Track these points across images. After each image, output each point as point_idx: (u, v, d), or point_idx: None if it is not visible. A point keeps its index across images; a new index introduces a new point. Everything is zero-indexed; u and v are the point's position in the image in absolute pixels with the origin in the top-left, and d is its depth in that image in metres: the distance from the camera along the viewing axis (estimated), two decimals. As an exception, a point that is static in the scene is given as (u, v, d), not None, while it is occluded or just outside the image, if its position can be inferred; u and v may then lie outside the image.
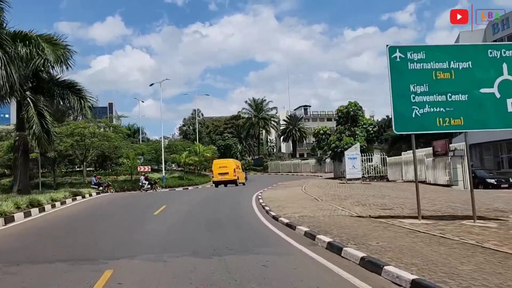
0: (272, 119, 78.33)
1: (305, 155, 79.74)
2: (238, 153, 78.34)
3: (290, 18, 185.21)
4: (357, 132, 31.78)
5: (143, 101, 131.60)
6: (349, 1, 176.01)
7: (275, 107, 78.46)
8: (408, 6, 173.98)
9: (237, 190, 27.53)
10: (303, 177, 45.31)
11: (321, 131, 38.19)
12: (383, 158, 30.66)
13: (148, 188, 31.97)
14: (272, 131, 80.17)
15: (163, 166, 43.09)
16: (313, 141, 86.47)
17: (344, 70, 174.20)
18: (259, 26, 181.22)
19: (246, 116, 79.15)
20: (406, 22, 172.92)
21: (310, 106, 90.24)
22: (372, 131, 33.45)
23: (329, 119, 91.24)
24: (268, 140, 79.00)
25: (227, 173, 32.82)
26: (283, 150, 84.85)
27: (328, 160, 54.97)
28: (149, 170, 36.97)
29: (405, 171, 27.40)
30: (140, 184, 32.45)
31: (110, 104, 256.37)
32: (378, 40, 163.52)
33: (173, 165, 59.82)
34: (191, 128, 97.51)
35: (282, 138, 79.30)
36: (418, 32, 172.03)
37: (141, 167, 36.49)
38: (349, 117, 32.43)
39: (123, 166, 41.34)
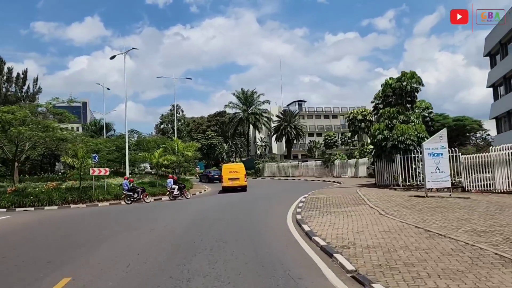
0: (263, 114, 67.80)
1: (300, 156, 69.58)
2: (223, 153, 67.50)
3: (272, 21, 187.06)
4: (412, 118, 21.25)
5: (108, 89, 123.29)
6: (330, 6, 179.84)
7: (267, 101, 68.05)
8: (387, 12, 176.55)
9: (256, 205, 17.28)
10: (314, 183, 35.02)
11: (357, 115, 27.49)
12: (455, 156, 20.10)
13: (177, 194, 25.33)
14: (264, 128, 69.55)
15: (127, 167, 31.97)
16: (309, 142, 76.75)
17: (325, 74, 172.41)
18: (241, 29, 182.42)
19: (233, 111, 68.53)
20: (385, 28, 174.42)
21: (305, 102, 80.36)
22: (428, 117, 23.17)
23: (327, 116, 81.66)
24: (259, 139, 68.37)
25: (237, 178, 30.14)
26: (275, 150, 74.40)
27: (338, 161, 45.00)
28: (107, 173, 26.01)
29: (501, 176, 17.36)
30: (169, 190, 25.63)
31: (84, 103, 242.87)
32: (358, 45, 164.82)
33: (145, 167, 48.71)
34: (169, 125, 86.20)
35: (274, 136, 68.75)
36: (397, 38, 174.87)
37: (95, 169, 25.51)
38: (404, 94, 21.91)
39: (72, 169, 30.17)
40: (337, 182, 33.41)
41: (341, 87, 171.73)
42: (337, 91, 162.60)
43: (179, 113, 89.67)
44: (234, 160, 62.57)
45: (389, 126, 20.76)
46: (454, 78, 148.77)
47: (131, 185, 23.99)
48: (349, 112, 48.49)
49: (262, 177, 54.92)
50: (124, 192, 23.45)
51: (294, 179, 46.37)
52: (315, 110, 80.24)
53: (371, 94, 78.80)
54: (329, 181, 37.09)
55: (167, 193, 25.83)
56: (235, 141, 75.99)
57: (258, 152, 66.23)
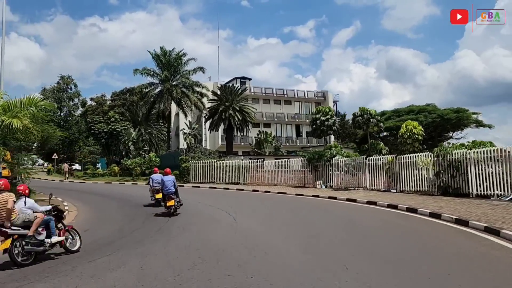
0: (195, 87, 45.39)
1: (241, 153, 48.42)
2: (130, 144, 43.69)
3: (195, 20, 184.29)
4: None
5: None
6: (254, 11, 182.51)
7: (200, 68, 45.53)
8: (308, 21, 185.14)
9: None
10: (316, 203, 14.07)
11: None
12: None
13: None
14: (193, 110, 47.02)
15: None
16: (258, 133, 55.74)
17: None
18: (163, 25, 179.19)
19: (148, 80, 45.16)
20: (306, 37, 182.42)
21: (250, 79, 58.98)
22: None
23: (277, 101, 61.28)
24: (187, 124, 45.47)
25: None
26: (208, 144, 52.22)
27: (341, 160, 24.58)
28: None
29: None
30: None
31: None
32: (280, 51, 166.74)
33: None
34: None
35: (208, 123, 46.60)
36: (317, 47, 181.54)
37: None
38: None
39: None
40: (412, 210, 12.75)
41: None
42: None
43: (71, 87, 63.71)
44: (145, 155, 39.30)
45: None
46: (366, 89, 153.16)
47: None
48: (315, 112, 29.89)
49: (192, 182, 32.72)
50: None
51: (257, 191, 25.08)
52: (263, 91, 59.46)
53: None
54: (359, 201, 16.45)
55: None
56: (150, 128, 52.51)
57: (185, 144, 43.43)
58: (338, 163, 24.81)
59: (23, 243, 7.71)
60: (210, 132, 47.66)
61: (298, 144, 59.84)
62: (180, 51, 44.74)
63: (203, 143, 52.70)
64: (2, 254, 7.61)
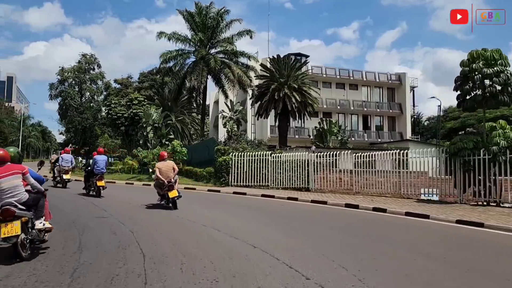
0: (239, 57, 34.03)
1: (293, 147, 36.39)
2: (150, 129, 32.26)
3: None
4: None
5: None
6: (297, 12, 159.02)
7: (247, 31, 33.85)
8: (352, 23, 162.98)
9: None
10: None
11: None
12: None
13: None
14: (236, 89, 35.40)
15: None
16: (320, 122, 42.47)
17: None
18: None
19: (178, 47, 33.97)
20: (349, 39, 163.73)
21: (308, 56, 46.82)
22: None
23: (340, 85, 48.87)
24: (227, 105, 33.79)
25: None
26: (249, 133, 40.57)
27: None
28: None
29: None
30: None
31: (10, 78, 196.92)
32: (322, 52, 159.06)
33: None
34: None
35: (255, 108, 35.05)
36: (360, 49, 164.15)
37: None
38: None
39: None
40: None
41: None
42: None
43: (93, 68, 54.00)
44: (168, 144, 27.54)
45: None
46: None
47: None
48: (466, 61, 18.44)
49: (234, 186, 21.14)
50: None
51: (356, 208, 13.21)
52: (323, 72, 47.13)
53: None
54: None
55: None
56: (182, 116, 41.56)
57: (224, 132, 31.80)
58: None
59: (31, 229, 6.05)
60: (257, 119, 35.92)
61: (365, 139, 47.20)
62: (221, 9, 33.40)
63: (247, 129, 41.26)
64: (2, 241, 5.55)
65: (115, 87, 49.49)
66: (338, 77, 47.54)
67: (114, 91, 47.72)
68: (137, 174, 28.91)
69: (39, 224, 6.19)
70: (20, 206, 5.94)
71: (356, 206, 13.50)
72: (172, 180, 11.84)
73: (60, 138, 67.52)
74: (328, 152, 20.82)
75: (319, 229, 9.19)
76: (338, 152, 20.70)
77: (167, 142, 28.98)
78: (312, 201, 15.15)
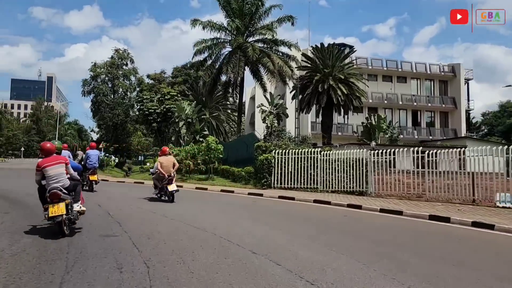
0: (280, 46, 31.05)
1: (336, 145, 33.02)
2: (182, 124, 29.65)
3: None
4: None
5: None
6: (331, 10, 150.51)
7: (288, 17, 30.64)
8: (388, 20, 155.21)
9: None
10: None
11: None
12: None
13: None
14: (274, 81, 32.30)
15: None
16: (367, 118, 38.02)
17: None
18: None
19: (213, 36, 31.33)
20: (385, 35, 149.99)
21: (352, 47, 43.15)
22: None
23: (387, 78, 45.08)
24: (267, 98, 30.81)
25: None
26: (289, 129, 37.40)
27: None
28: None
29: None
30: None
31: (50, 78, 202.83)
32: (357, 50, 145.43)
33: None
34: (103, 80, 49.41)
35: (299, 101, 31.95)
36: (397, 45, 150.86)
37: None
38: None
39: None
40: None
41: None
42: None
43: (126, 63, 52.43)
44: (202, 141, 24.82)
45: None
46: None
47: None
48: None
49: (277, 188, 18.26)
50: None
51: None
52: (369, 64, 43.38)
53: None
54: None
55: None
56: (217, 112, 39.07)
57: (263, 128, 28.84)
58: None
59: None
60: (299, 114, 32.82)
61: (415, 137, 43.10)
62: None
63: (288, 125, 38.17)
64: (48, 221, 6.86)
65: (148, 83, 47.62)
66: (385, 69, 43.67)
67: (147, 87, 45.83)
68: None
69: (76, 206, 7.26)
70: (64, 191, 6.92)
71: (447, 220, 10.27)
72: (172, 174, 12.53)
73: (95, 136, 66.66)
74: (385, 150, 17.56)
75: (455, 272, 6.02)
76: (396, 149, 17.41)
77: (201, 139, 26.41)
78: (382, 210, 12.00)
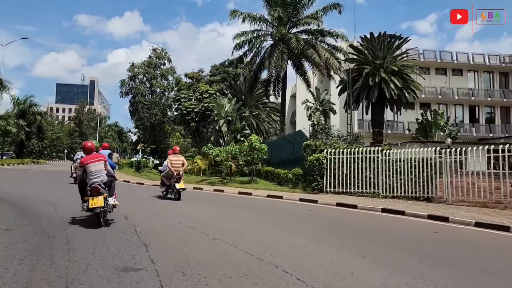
0: (326, 37, 28.60)
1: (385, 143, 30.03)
2: (222, 123, 27.64)
3: None
4: None
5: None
6: (368, 8, 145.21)
7: (335, 4, 28.19)
8: (429, 16, 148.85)
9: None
10: None
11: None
12: None
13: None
14: (318, 75, 29.77)
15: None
16: (423, 114, 33.87)
17: None
18: None
19: (253, 28, 29.31)
20: (426, 32, 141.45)
21: (406, 37, 39.94)
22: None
23: (441, 71, 41.50)
24: (312, 93, 28.42)
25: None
26: (336, 124, 34.66)
27: None
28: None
29: None
30: None
31: (92, 82, 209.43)
32: None
33: None
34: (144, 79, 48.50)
35: (351, 92, 29.29)
36: (438, 42, 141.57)
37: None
38: None
39: None
40: None
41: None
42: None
43: (164, 63, 51.44)
44: (244, 140, 22.71)
45: None
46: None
47: None
48: None
49: (331, 192, 15.97)
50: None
51: None
52: (421, 55, 39.93)
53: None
54: None
55: None
56: (257, 110, 37.08)
57: (310, 125, 26.36)
58: None
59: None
60: (351, 109, 30.15)
61: (473, 134, 39.35)
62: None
63: (331, 120, 35.57)
64: (87, 212, 7.70)
65: (186, 82, 46.34)
66: (438, 61, 40.11)
67: (185, 86, 44.52)
68: (209, 176, 24.71)
69: (111, 200, 8.08)
70: (102, 185, 7.75)
71: None
72: (181, 173, 13.05)
73: (133, 138, 66.43)
74: (455, 148, 14.85)
75: None
76: (466, 148, 14.61)
77: (242, 138, 24.41)
78: (477, 224, 9.40)
